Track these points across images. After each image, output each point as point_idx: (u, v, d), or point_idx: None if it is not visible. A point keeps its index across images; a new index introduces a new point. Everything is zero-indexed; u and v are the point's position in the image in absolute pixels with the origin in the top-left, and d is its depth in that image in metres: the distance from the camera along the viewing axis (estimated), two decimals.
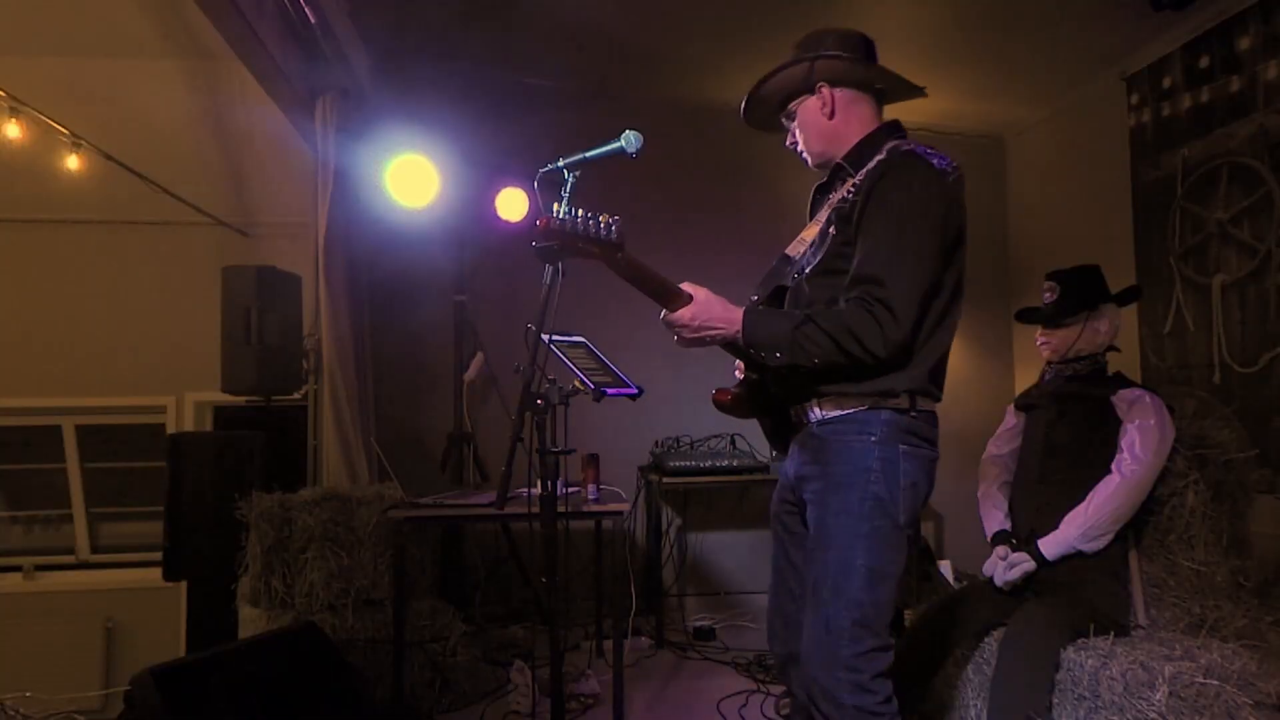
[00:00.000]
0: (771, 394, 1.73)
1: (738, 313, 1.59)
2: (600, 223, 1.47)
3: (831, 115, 1.74)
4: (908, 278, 1.50)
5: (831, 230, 1.64)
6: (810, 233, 1.75)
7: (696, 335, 1.60)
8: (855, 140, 1.72)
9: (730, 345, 1.65)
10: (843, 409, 1.60)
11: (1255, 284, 3.16)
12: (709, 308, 1.59)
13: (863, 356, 1.50)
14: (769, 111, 1.85)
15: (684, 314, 1.58)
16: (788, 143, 1.84)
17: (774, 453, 3.69)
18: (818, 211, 1.80)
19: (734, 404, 1.79)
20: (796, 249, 1.77)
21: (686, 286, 1.60)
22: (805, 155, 1.81)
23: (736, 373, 1.84)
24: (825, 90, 1.73)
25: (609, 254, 1.50)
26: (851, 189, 1.63)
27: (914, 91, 1.77)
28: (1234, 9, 3.21)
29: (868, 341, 1.49)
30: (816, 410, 1.64)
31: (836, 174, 1.75)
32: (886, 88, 1.77)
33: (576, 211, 1.46)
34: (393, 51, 3.95)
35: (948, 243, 1.57)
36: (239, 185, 4.33)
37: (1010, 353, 4.80)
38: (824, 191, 1.81)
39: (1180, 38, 3.47)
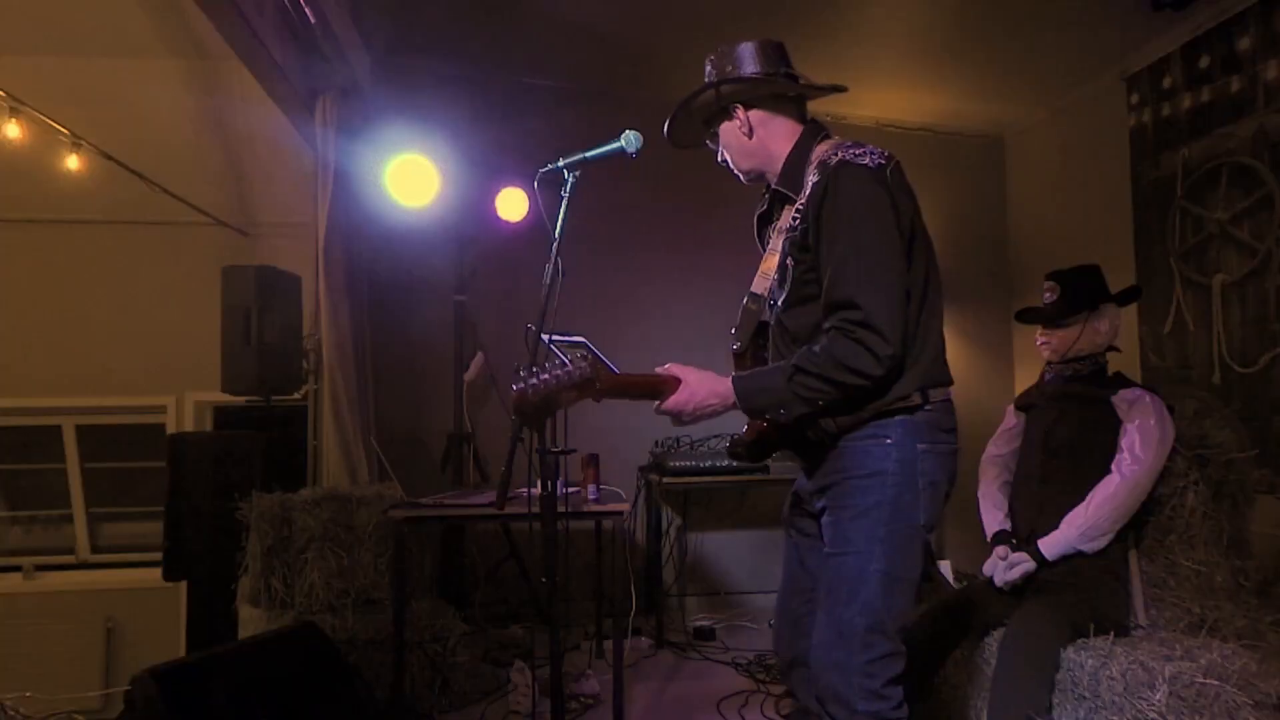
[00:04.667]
0: (780, 429, 1.69)
1: (726, 383, 1.58)
2: (570, 363, 1.46)
3: (750, 134, 1.73)
4: (882, 292, 1.49)
5: (789, 262, 1.63)
6: (769, 265, 1.73)
7: (695, 418, 1.60)
8: (781, 153, 1.71)
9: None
10: (858, 417, 1.58)
11: (1255, 284, 3.16)
12: (698, 388, 1.57)
13: (862, 384, 1.49)
14: (694, 132, 1.83)
15: (676, 401, 1.57)
16: (719, 159, 1.83)
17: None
18: (766, 239, 1.79)
19: (745, 450, 1.75)
20: (761, 285, 1.75)
21: (671, 369, 1.59)
22: (735, 172, 1.81)
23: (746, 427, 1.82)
24: (740, 113, 1.72)
25: (590, 391, 1.50)
26: (796, 214, 1.62)
27: (833, 90, 1.74)
28: (1234, 9, 3.21)
29: (863, 368, 1.48)
30: (831, 422, 1.61)
31: (775, 199, 1.75)
32: (802, 95, 1.76)
33: (541, 367, 1.45)
34: (393, 51, 3.95)
35: (905, 238, 1.56)
36: (239, 185, 4.32)
37: (1010, 353, 4.80)
38: (767, 220, 1.80)
39: (1180, 38, 3.47)
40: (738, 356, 1.80)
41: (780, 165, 1.71)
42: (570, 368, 1.45)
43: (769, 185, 1.76)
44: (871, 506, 1.54)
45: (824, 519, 1.64)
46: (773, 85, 1.71)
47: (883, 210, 1.53)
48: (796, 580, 1.79)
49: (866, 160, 1.56)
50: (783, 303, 1.67)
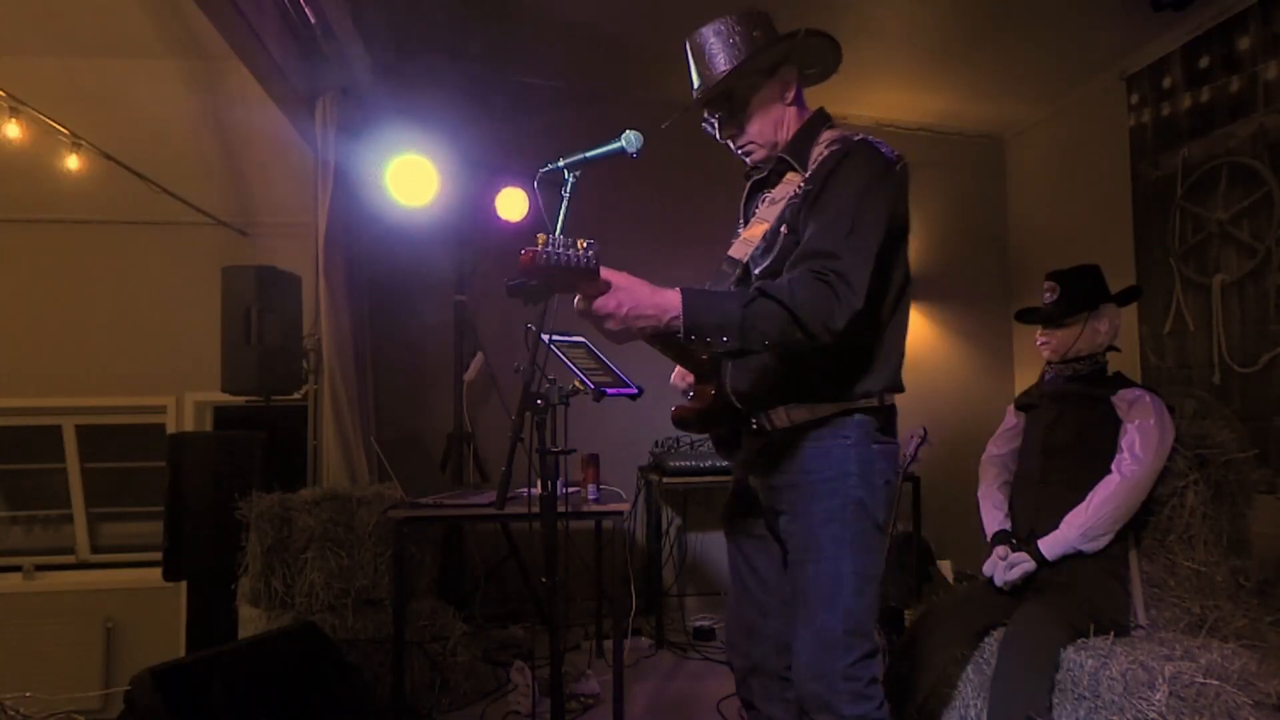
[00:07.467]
0: (732, 404, 1.63)
1: (671, 295, 1.37)
2: (578, 249, 1.29)
3: (792, 100, 1.69)
4: (862, 252, 1.45)
5: (783, 230, 1.58)
6: (755, 232, 1.68)
7: (624, 327, 1.37)
8: (795, 126, 1.67)
9: (661, 337, 1.44)
10: (816, 414, 1.56)
11: (1255, 284, 3.16)
12: (635, 293, 1.36)
13: (819, 333, 1.39)
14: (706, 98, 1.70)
15: (608, 302, 1.35)
16: (721, 137, 1.72)
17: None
18: (753, 207, 1.75)
19: (696, 418, 1.69)
20: (741, 250, 1.69)
21: (605, 273, 1.35)
22: (751, 146, 1.69)
23: (678, 380, 1.76)
24: (790, 73, 1.68)
25: (590, 283, 1.34)
26: (805, 183, 1.57)
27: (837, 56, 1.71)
28: (1234, 9, 3.21)
29: (826, 316, 1.38)
30: (784, 416, 1.59)
31: (778, 168, 1.68)
32: (834, 64, 1.73)
33: (557, 239, 1.29)
34: (393, 51, 3.95)
35: (894, 228, 1.54)
36: (239, 185, 4.33)
37: (1010, 353, 4.80)
38: (761, 187, 1.75)
39: (1180, 38, 3.47)
40: None
41: (789, 138, 1.67)
42: (580, 255, 1.29)
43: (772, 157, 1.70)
44: (838, 509, 1.53)
45: (785, 522, 1.61)
46: (821, 45, 1.67)
47: (886, 195, 1.52)
48: (748, 586, 1.75)
49: (884, 149, 1.56)
50: (761, 270, 1.62)
